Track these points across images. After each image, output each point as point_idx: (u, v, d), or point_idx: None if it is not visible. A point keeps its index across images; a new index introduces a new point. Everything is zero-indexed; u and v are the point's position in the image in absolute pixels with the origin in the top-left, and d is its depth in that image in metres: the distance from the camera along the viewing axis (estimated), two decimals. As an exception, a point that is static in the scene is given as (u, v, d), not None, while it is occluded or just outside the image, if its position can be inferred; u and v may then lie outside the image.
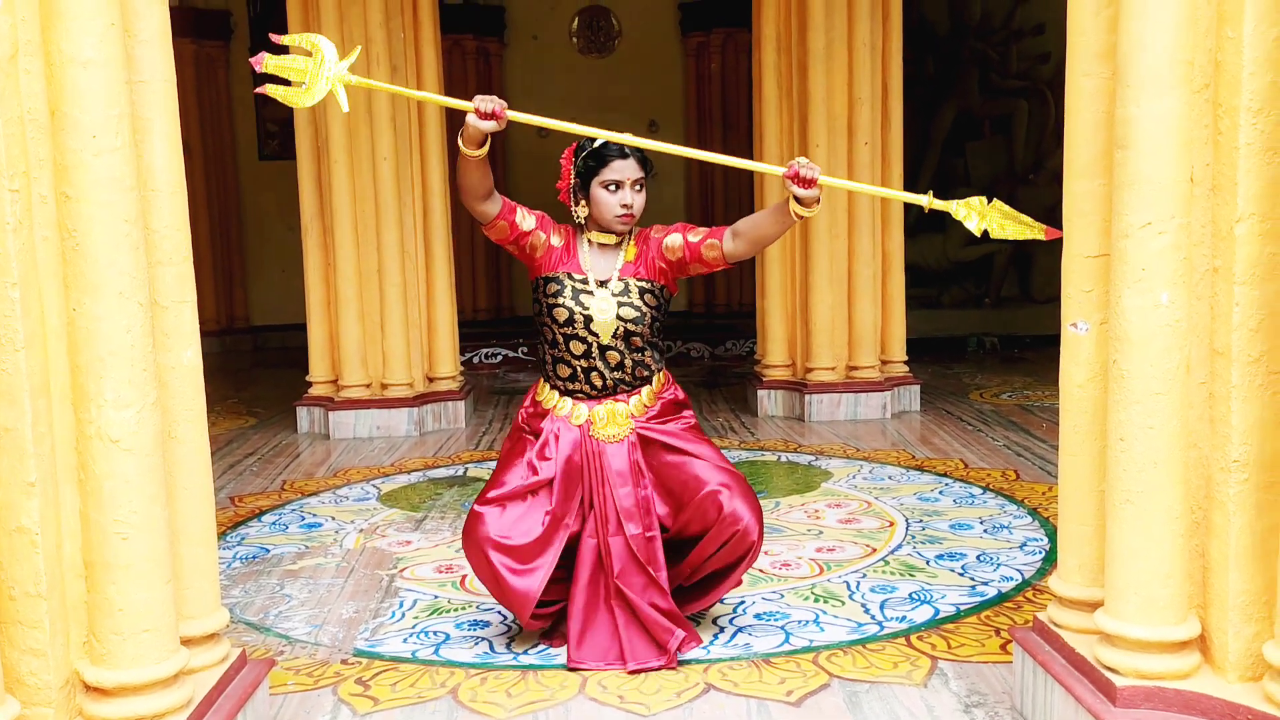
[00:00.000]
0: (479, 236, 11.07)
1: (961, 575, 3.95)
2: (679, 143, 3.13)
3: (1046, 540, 4.30)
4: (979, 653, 3.24)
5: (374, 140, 6.65)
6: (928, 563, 4.10)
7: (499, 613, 3.68)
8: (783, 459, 5.92)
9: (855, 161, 6.77)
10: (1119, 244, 2.34)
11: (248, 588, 4.06)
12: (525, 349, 10.01)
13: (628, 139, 3.07)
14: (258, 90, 2.83)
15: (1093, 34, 2.50)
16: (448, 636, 3.51)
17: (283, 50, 2.90)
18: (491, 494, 3.21)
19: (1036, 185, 10.07)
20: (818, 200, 2.98)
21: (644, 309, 3.24)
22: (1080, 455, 2.62)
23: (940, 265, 10.39)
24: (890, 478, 5.42)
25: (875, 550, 4.27)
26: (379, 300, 6.80)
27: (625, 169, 3.16)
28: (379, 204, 6.71)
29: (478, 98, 2.90)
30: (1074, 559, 2.66)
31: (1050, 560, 4.04)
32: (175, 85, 2.51)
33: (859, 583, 3.90)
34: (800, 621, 3.53)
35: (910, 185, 8.48)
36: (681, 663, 3.20)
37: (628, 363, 3.26)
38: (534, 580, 3.13)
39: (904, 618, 3.54)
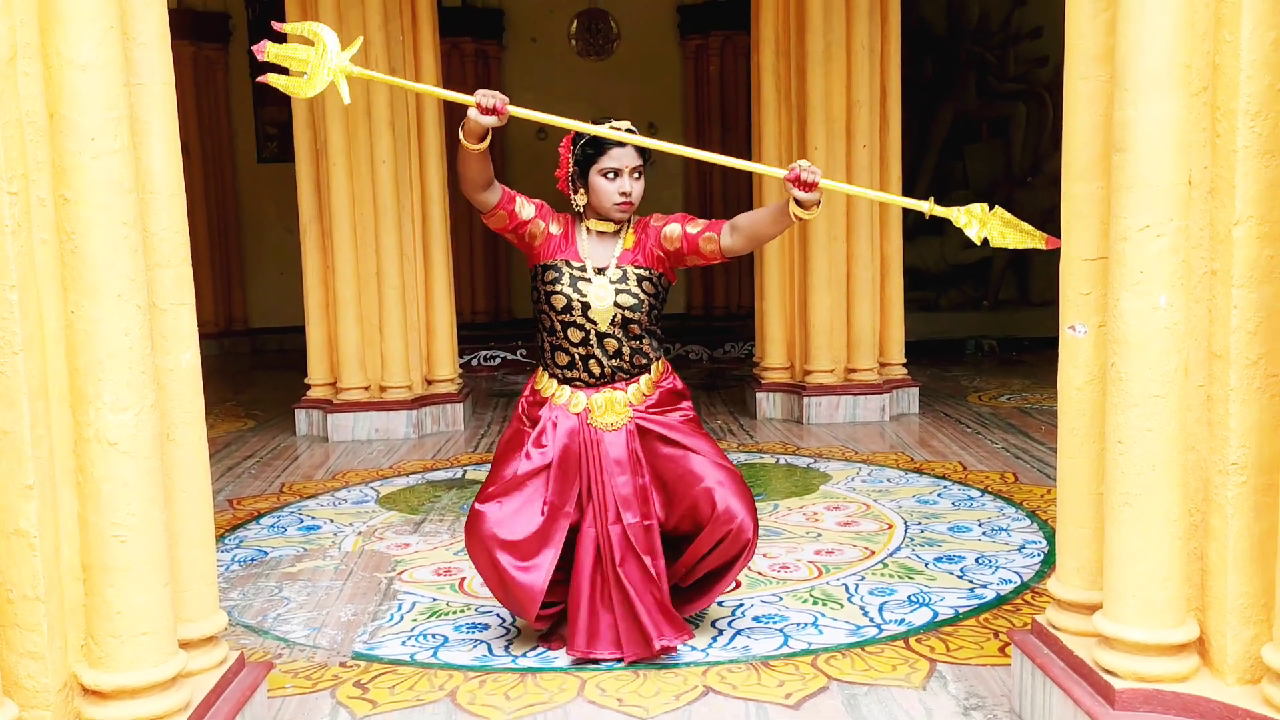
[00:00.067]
0: (478, 239, 11.11)
1: (960, 578, 3.94)
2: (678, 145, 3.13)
3: (1045, 543, 4.31)
4: (977, 655, 3.24)
5: (373, 143, 6.66)
6: (926, 565, 4.10)
7: (498, 615, 3.68)
8: (781, 461, 5.92)
9: (853, 164, 6.78)
10: (1117, 247, 2.34)
11: (246, 590, 4.06)
12: (524, 351, 10.01)
13: (631, 138, 3.08)
14: (259, 79, 2.82)
15: (1090, 37, 2.51)
16: (446, 639, 3.51)
17: (285, 39, 2.89)
18: (490, 489, 3.21)
19: (1034, 188, 10.08)
20: (818, 204, 2.99)
21: (642, 296, 3.24)
22: (1079, 458, 2.62)
23: (939, 268, 10.40)
24: (889, 480, 5.42)
25: (874, 553, 4.27)
26: (378, 303, 6.80)
27: (623, 156, 3.17)
28: (378, 206, 6.71)
29: (480, 92, 2.91)
30: (1072, 561, 2.66)
31: (1049, 563, 4.04)
32: (174, 88, 2.51)
33: (858, 585, 3.90)
34: (799, 624, 3.53)
35: (908, 187, 8.49)
36: (680, 665, 3.20)
37: (626, 350, 3.26)
38: (538, 575, 3.14)
39: (902, 620, 3.54)
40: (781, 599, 3.77)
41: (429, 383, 7.18)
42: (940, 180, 10.28)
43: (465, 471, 5.92)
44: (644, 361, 3.30)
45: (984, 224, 2.77)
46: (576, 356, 3.25)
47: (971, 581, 3.90)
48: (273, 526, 4.94)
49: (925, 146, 10.37)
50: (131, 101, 2.31)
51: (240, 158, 11.61)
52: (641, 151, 3.19)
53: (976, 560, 4.14)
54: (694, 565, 3.27)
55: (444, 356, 7.24)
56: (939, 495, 5.11)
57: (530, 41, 11.47)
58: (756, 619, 3.59)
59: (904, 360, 7.27)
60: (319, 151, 6.77)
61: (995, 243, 2.76)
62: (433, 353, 7.21)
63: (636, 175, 3.20)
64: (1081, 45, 2.53)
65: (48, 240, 2.17)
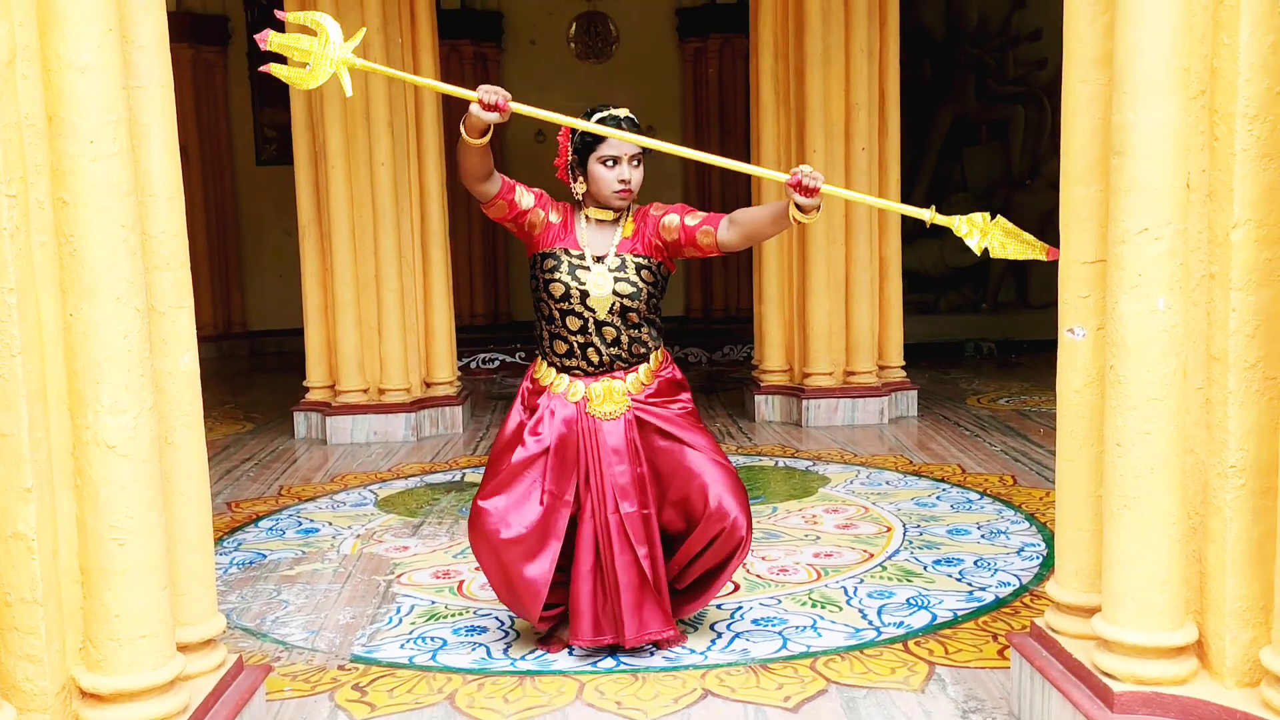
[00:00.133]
0: (477, 241, 11.11)
1: (959, 580, 3.94)
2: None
3: (1044, 545, 4.30)
4: (976, 658, 3.24)
5: (371, 145, 6.64)
6: (925, 568, 4.10)
7: (496, 618, 3.68)
8: (780, 464, 5.92)
9: (852, 167, 6.78)
10: (1116, 250, 2.34)
11: (244, 593, 4.06)
12: (523, 354, 10.01)
13: (631, 138, 3.08)
14: (261, 69, 2.82)
15: (1089, 40, 2.51)
16: (445, 642, 3.50)
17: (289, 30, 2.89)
18: (490, 483, 3.22)
19: (1033, 191, 10.08)
20: (818, 208, 2.99)
21: (640, 285, 3.24)
22: (1077, 460, 2.62)
23: (937, 271, 10.40)
24: (887, 483, 5.42)
25: (873, 555, 4.27)
26: (376, 305, 6.79)
27: (622, 144, 3.17)
28: (376, 209, 6.70)
29: (482, 88, 2.91)
30: (1071, 564, 2.67)
31: (1047, 565, 4.04)
32: (173, 90, 2.52)
33: (856, 588, 3.90)
34: (798, 627, 3.53)
35: (907, 190, 8.49)
36: (679, 668, 3.20)
37: (624, 339, 3.26)
38: (543, 566, 3.15)
39: (901, 623, 3.54)
40: (780, 602, 3.77)
41: (428, 385, 7.18)
42: (939, 183, 10.28)
43: (464, 474, 5.92)
44: (643, 350, 3.30)
45: (985, 234, 2.76)
46: (575, 345, 3.25)
47: (970, 584, 3.90)
48: (271, 529, 4.94)
49: (924, 149, 10.37)
50: (130, 104, 2.31)
51: (239, 160, 11.61)
52: None
53: (975, 563, 4.14)
54: (688, 565, 3.27)
55: (442, 359, 7.24)
56: (938, 498, 5.11)
57: (529, 44, 11.47)
58: (755, 622, 3.59)
59: (903, 363, 7.27)
60: (318, 154, 6.76)
61: (996, 253, 2.74)
62: (431, 355, 7.20)
63: (636, 163, 3.20)
64: (1080, 48, 2.53)
65: (46, 243, 2.17)
